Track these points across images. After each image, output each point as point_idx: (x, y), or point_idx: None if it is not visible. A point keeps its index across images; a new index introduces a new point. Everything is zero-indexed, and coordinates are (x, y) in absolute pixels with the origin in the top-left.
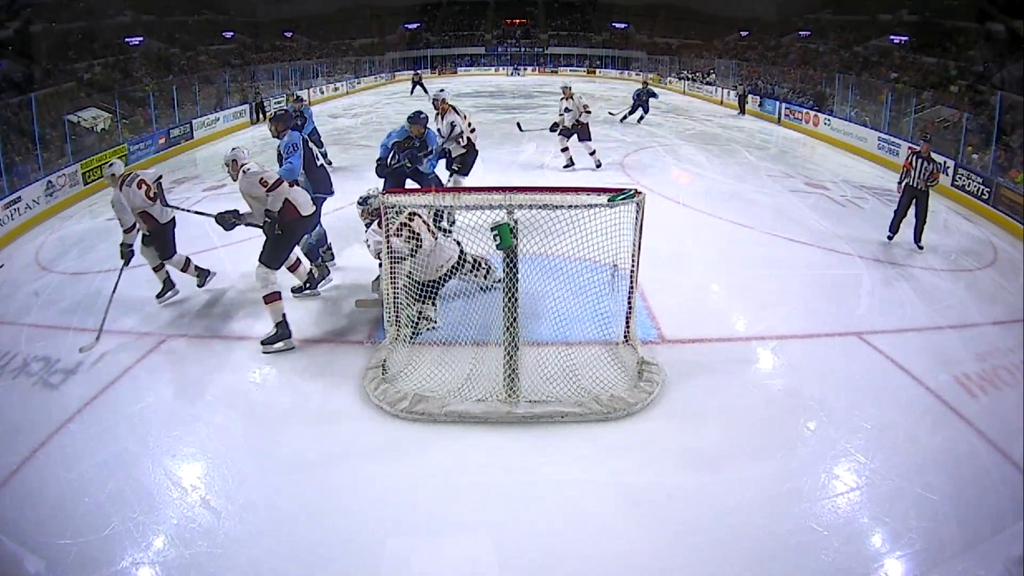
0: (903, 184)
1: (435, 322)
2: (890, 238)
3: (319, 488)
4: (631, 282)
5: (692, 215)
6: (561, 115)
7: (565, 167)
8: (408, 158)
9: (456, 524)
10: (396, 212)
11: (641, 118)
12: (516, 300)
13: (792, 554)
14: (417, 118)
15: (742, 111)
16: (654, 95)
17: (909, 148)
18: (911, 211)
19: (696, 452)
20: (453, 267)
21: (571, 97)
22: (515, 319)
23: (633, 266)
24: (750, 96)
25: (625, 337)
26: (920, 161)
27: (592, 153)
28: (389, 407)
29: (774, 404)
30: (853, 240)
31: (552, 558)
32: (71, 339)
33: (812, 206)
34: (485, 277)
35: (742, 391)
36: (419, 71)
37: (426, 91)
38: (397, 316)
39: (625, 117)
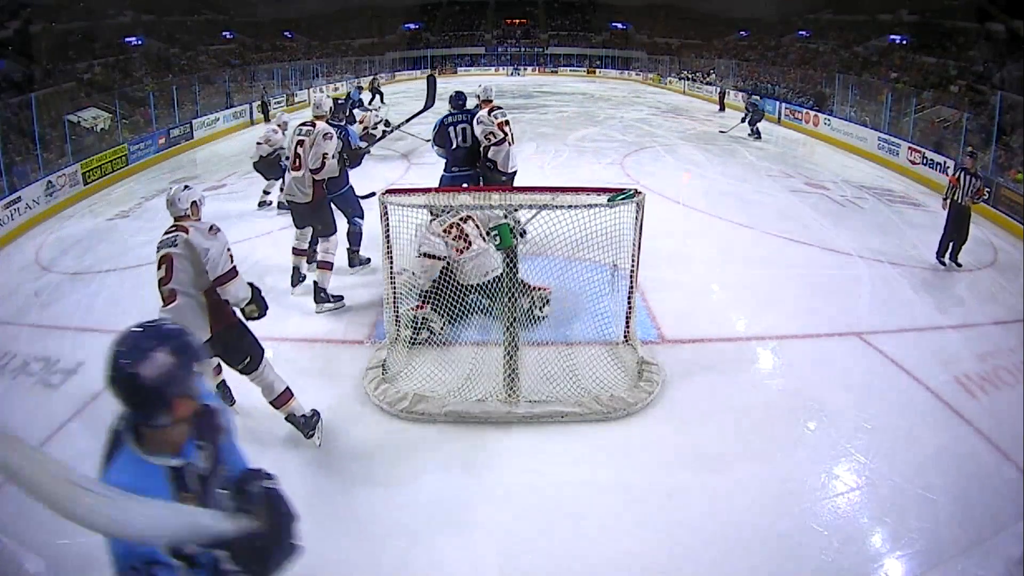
0: (948, 200)
1: (436, 332)
2: (942, 262)
3: (319, 488)
4: (631, 282)
5: (692, 215)
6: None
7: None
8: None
9: (456, 524)
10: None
11: (752, 132)
12: (516, 300)
13: (792, 554)
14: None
15: (722, 108)
16: (760, 108)
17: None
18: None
19: (696, 452)
20: (494, 280)
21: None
22: (515, 319)
23: (633, 266)
24: (749, 96)
25: (625, 337)
26: (968, 177)
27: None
28: (389, 407)
29: (774, 404)
30: (853, 240)
31: (552, 558)
32: (71, 339)
33: (812, 206)
34: (541, 308)
35: (742, 391)
36: (377, 76)
37: (383, 101)
38: (397, 316)
39: (752, 134)
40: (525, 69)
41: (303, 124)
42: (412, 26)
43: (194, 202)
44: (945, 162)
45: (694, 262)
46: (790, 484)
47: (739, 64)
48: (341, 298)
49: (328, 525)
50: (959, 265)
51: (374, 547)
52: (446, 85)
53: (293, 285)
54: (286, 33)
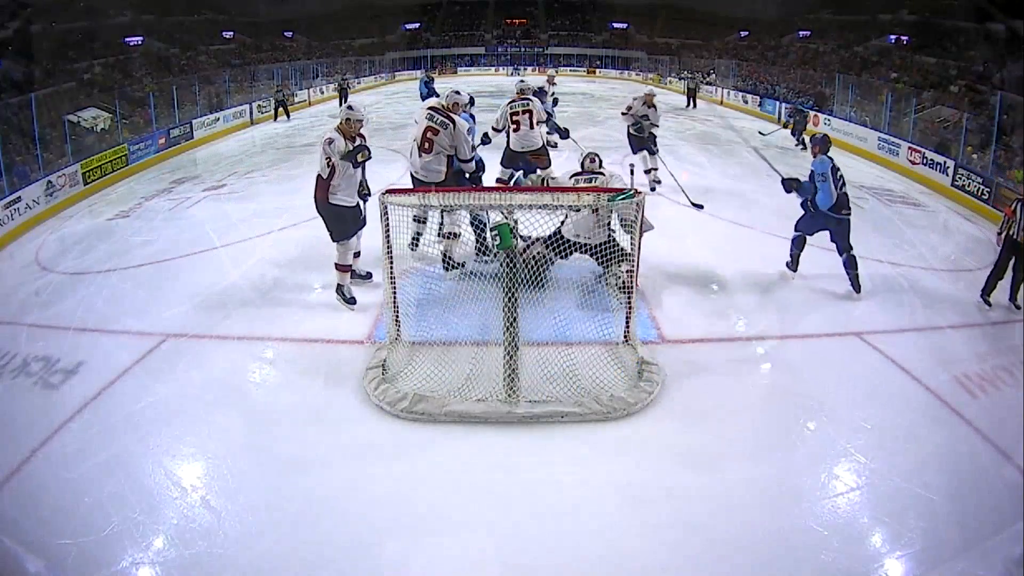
0: (1003, 235)
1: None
2: (987, 303)
3: (319, 488)
4: (631, 282)
5: (692, 215)
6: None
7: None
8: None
9: (456, 524)
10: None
11: (799, 142)
12: (516, 300)
13: (792, 554)
14: (542, 92)
15: (692, 104)
16: (803, 117)
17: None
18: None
19: (696, 452)
20: (576, 243)
21: (653, 105)
22: (515, 319)
23: (633, 266)
24: (750, 96)
25: (625, 337)
26: None
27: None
28: (389, 407)
29: (774, 404)
30: (853, 240)
31: (552, 558)
32: (71, 339)
33: None
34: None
35: (742, 391)
36: (346, 77)
37: (344, 103)
38: (397, 316)
39: (798, 144)
40: (525, 69)
41: (434, 111)
42: (412, 26)
43: (347, 119)
44: (945, 162)
45: (694, 262)
46: (790, 484)
47: (739, 64)
48: (463, 264)
49: (328, 525)
50: (1018, 307)
51: (374, 547)
52: (445, 85)
53: (412, 249)
54: (286, 33)
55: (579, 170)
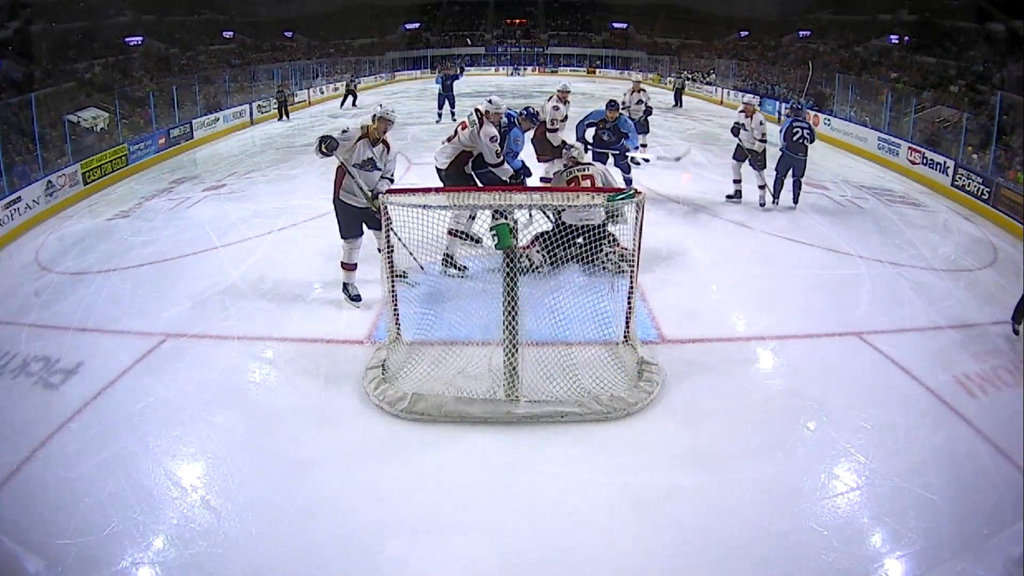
0: None
1: (535, 264)
2: (1016, 332)
3: (319, 488)
4: (631, 282)
5: (692, 215)
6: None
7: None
8: (608, 134)
9: (456, 524)
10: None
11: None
12: (516, 300)
13: (792, 554)
14: (614, 105)
15: (678, 104)
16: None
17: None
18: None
19: (696, 452)
20: (587, 227)
21: (752, 114)
22: (515, 319)
23: (633, 266)
24: (749, 95)
25: (625, 337)
26: None
27: (763, 187)
28: (389, 407)
29: (774, 404)
30: (853, 240)
31: (552, 558)
32: (71, 339)
33: (812, 206)
34: (620, 261)
35: (742, 391)
36: (354, 79)
37: (355, 104)
38: (397, 316)
39: None
40: (525, 69)
41: (476, 111)
42: (412, 26)
43: (374, 116)
44: (945, 162)
45: (694, 262)
46: (790, 484)
47: (739, 64)
48: (465, 268)
49: (328, 525)
50: None
51: (374, 547)
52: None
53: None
54: (286, 33)
55: (568, 165)
